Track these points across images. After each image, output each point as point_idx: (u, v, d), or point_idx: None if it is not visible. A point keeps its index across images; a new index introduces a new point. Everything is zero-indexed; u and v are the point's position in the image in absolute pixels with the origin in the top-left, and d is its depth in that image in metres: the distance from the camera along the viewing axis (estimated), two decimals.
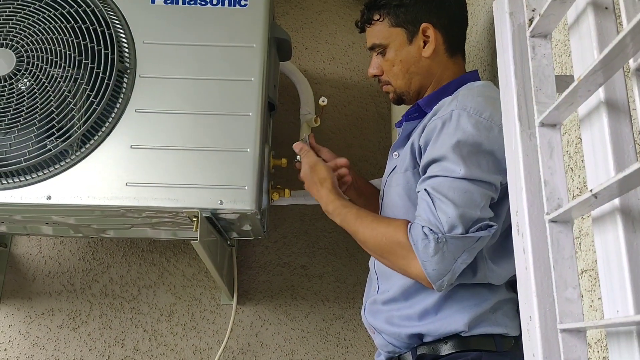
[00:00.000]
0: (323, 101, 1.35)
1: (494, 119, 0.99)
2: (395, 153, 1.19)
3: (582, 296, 0.58)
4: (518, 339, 1.05)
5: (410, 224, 0.99)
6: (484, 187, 0.97)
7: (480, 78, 1.18)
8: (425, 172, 1.02)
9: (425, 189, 0.99)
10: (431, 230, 0.94)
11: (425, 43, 1.15)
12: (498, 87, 0.73)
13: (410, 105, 1.20)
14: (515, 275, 1.00)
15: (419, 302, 1.05)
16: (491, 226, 0.96)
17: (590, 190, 0.49)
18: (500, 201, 1.01)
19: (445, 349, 1.02)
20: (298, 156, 1.28)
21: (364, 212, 1.09)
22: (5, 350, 1.66)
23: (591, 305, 0.76)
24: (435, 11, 1.15)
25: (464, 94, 1.05)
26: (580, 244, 0.80)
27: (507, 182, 0.98)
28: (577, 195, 0.79)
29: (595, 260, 0.74)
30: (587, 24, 0.59)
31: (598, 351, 0.73)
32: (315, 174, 1.19)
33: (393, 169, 1.16)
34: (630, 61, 0.53)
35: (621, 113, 0.55)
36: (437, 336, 1.03)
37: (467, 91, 1.06)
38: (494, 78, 1.26)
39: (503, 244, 1.04)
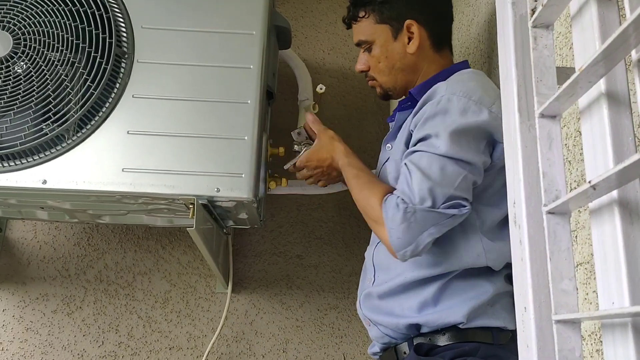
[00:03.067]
0: (321, 89, 1.35)
1: (484, 102, 1.00)
2: (388, 145, 1.19)
3: (577, 289, 0.57)
4: (515, 332, 1.05)
5: (389, 194, 1.02)
6: (463, 167, 0.97)
7: (470, 67, 1.19)
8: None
9: (405, 163, 1.01)
10: (403, 200, 0.97)
11: (409, 39, 1.16)
12: (498, 79, 0.73)
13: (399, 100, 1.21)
14: None
15: (417, 294, 1.05)
16: (464, 206, 0.97)
17: (589, 182, 0.49)
18: (503, 185, 1.01)
19: (443, 340, 1.02)
20: (295, 145, 1.29)
21: (362, 173, 1.13)
22: None
23: (586, 298, 0.76)
24: (418, 7, 1.16)
25: (455, 79, 1.07)
26: (576, 237, 0.80)
27: (498, 164, 1.01)
28: (575, 188, 0.79)
29: (591, 254, 0.74)
30: (589, 15, 0.59)
31: (591, 344, 0.73)
32: (326, 134, 1.24)
33: (386, 160, 1.17)
34: (633, 52, 0.53)
35: (621, 105, 0.55)
36: (435, 327, 1.03)
37: (458, 77, 1.08)
38: (493, 70, 1.26)
39: (502, 225, 1.04)
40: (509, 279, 1.07)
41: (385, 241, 1.01)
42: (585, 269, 0.77)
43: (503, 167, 1.00)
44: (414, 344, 1.05)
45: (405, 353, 1.07)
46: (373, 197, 1.04)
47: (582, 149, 0.59)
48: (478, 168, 0.99)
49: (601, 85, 0.56)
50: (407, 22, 1.15)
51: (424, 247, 0.98)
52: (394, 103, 1.69)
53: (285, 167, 1.32)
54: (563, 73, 0.66)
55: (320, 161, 1.24)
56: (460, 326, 1.01)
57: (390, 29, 1.17)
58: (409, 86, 1.18)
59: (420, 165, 0.98)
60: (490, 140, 1.01)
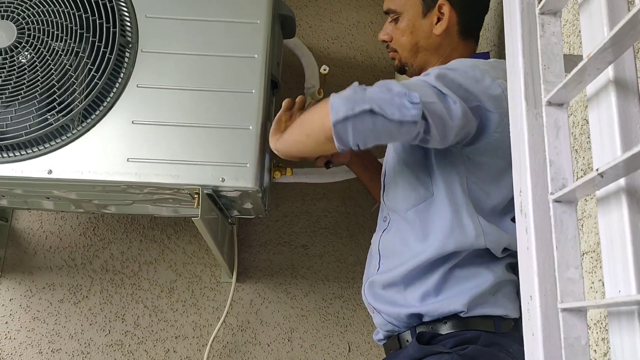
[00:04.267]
0: (325, 69, 1.34)
1: (489, 73, 0.97)
2: None
3: (583, 277, 0.57)
4: (517, 321, 1.05)
5: None
6: (437, 94, 0.90)
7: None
8: None
9: None
10: (360, 85, 0.91)
11: (438, 20, 1.13)
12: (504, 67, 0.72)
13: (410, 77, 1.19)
14: (515, 256, 1.01)
15: (419, 285, 1.05)
16: (416, 103, 0.85)
17: (596, 170, 0.49)
18: (503, 172, 1.01)
19: (445, 329, 1.03)
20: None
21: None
22: (6, 323, 1.67)
23: (591, 287, 0.76)
24: None
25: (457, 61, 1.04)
26: (582, 226, 0.80)
27: (491, 141, 0.97)
28: (582, 177, 0.79)
29: (597, 243, 0.74)
30: (597, 1, 0.58)
31: (597, 332, 0.73)
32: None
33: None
34: None
35: (630, 92, 0.55)
36: (437, 316, 1.03)
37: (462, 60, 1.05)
38: (500, 58, 1.25)
39: (500, 213, 1.04)
40: (510, 267, 1.07)
41: (323, 121, 0.90)
42: (591, 257, 0.76)
43: (497, 148, 1.00)
44: (416, 332, 1.05)
45: (407, 341, 1.07)
46: (319, 108, 0.96)
47: (589, 137, 0.58)
48: (454, 103, 0.90)
49: (609, 72, 0.56)
50: (440, 1, 1.13)
51: (359, 116, 0.86)
52: None
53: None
54: (570, 61, 0.65)
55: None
56: (461, 315, 1.01)
57: (422, 4, 1.14)
58: (427, 67, 1.16)
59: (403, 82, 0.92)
60: (478, 105, 0.95)
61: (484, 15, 1.19)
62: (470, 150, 1.01)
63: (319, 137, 0.95)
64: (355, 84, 0.92)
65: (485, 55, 1.16)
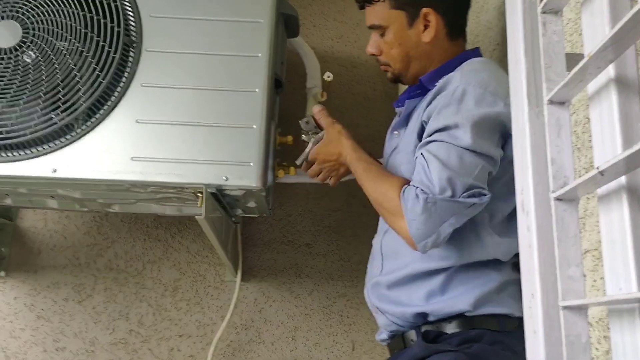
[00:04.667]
0: (328, 77, 1.34)
1: (499, 93, 0.98)
2: (395, 132, 1.18)
3: (585, 276, 0.57)
4: (522, 319, 1.05)
5: (406, 185, 1.00)
6: (482, 159, 0.97)
7: (482, 55, 1.16)
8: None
9: (422, 153, 0.99)
10: (423, 191, 0.95)
11: (425, 27, 1.12)
12: (507, 66, 0.72)
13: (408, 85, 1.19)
14: None
15: (425, 284, 1.05)
16: (484, 195, 0.96)
17: (597, 167, 0.49)
18: (512, 178, 1.01)
19: (450, 328, 1.03)
20: (303, 134, 1.28)
21: (372, 166, 1.12)
22: (11, 322, 1.68)
23: (593, 285, 0.76)
24: None
25: (468, 69, 1.04)
26: (584, 224, 0.80)
27: (509, 156, 0.99)
28: (584, 175, 0.79)
29: (599, 241, 0.74)
30: (599, 0, 0.58)
31: (598, 330, 0.73)
32: (334, 128, 1.22)
33: (395, 149, 1.16)
34: None
35: (631, 90, 0.55)
36: (442, 316, 1.03)
37: (470, 66, 1.05)
38: (503, 57, 1.25)
39: (511, 219, 1.04)
40: (516, 267, 1.07)
41: (404, 233, 0.99)
42: (593, 256, 0.76)
43: (512, 161, 1.00)
44: (422, 331, 1.05)
45: (412, 340, 1.07)
46: (390, 190, 1.02)
47: (590, 135, 0.58)
48: (495, 159, 0.98)
49: (610, 71, 0.56)
50: (424, 10, 1.11)
51: (445, 237, 0.97)
52: (402, 88, 1.68)
53: (298, 161, 1.31)
54: (572, 59, 0.65)
55: (328, 155, 1.22)
56: (466, 314, 1.01)
57: (406, 15, 1.13)
58: (421, 73, 1.16)
59: (438, 155, 0.96)
60: (503, 133, 1.00)
61: (467, 11, 1.19)
62: None
63: (396, 230, 1.03)
64: (414, 190, 0.97)
65: (477, 52, 1.16)
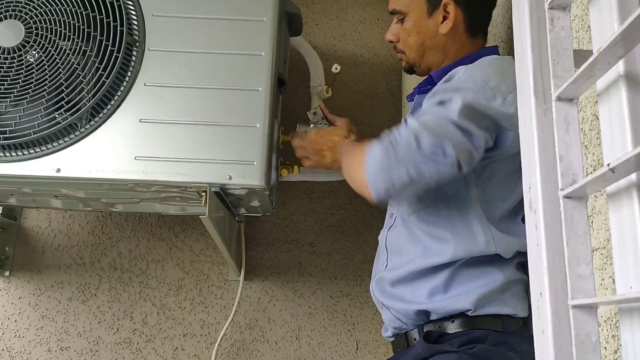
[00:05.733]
0: (336, 68, 1.32)
1: (500, 89, 0.97)
2: None
3: (594, 274, 0.57)
4: (526, 320, 1.04)
5: None
6: (463, 134, 0.93)
7: (499, 54, 1.15)
8: None
9: (405, 119, 0.99)
10: (389, 142, 0.94)
11: (444, 18, 1.12)
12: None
13: (422, 77, 1.19)
14: (525, 255, 1.00)
15: (428, 281, 1.05)
16: (449, 153, 0.91)
17: (608, 165, 0.48)
18: (513, 173, 1.00)
19: (452, 328, 1.02)
20: (311, 124, 1.29)
21: (355, 148, 1.09)
22: (15, 321, 1.68)
23: (601, 284, 0.75)
24: None
25: (476, 64, 1.04)
26: (592, 222, 0.79)
27: (504, 152, 0.98)
28: (591, 173, 0.78)
29: (607, 239, 0.73)
30: None
31: (607, 329, 0.73)
32: (346, 123, 1.25)
33: None
34: None
35: None
36: (444, 314, 1.03)
37: (480, 62, 1.05)
38: (509, 54, 1.24)
39: (511, 215, 1.03)
40: (520, 266, 1.07)
41: (362, 184, 0.96)
42: (602, 254, 0.76)
43: (510, 157, 1.00)
44: (424, 331, 1.05)
45: (415, 340, 1.07)
46: (360, 154, 1.00)
47: (598, 133, 0.58)
48: (478, 139, 0.94)
49: (620, 67, 0.55)
50: (445, 0, 1.12)
51: (400, 187, 0.93)
52: (407, 90, 1.67)
53: (297, 129, 1.30)
54: (580, 56, 0.65)
55: (324, 138, 1.21)
56: (468, 313, 1.01)
57: (427, 3, 1.13)
58: (435, 66, 1.16)
59: (420, 119, 0.95)
60: (495, 124, 0.97)
61: (491, 10, 1.18)
62: (483, 161, 1.01)
63: (362, 193, 1.00)
64: (383, 142, 0.95)
65: (494, 50, 1.15)
